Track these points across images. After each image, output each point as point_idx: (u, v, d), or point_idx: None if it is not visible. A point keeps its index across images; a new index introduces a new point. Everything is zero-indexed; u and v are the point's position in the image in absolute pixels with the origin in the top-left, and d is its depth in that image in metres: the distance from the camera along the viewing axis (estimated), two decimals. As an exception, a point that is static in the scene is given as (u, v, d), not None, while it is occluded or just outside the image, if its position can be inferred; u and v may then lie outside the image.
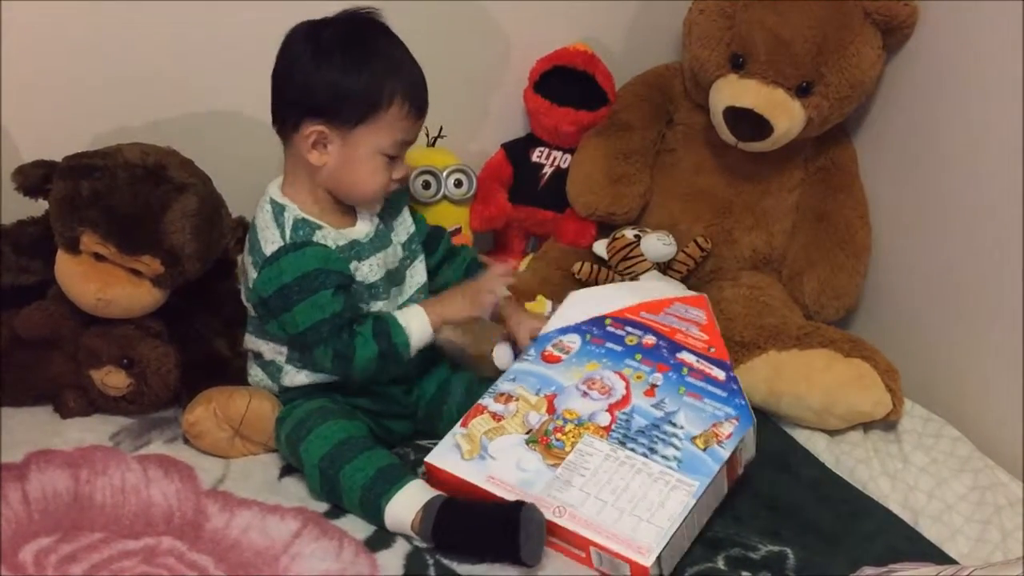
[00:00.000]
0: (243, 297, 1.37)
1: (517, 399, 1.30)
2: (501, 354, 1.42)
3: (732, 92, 1.65)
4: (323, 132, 1.25)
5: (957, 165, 1.59)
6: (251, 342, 1.37)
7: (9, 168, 1.40)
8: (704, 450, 1.23)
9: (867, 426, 1.52)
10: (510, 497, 1.19)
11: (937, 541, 1.31)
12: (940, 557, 1.26)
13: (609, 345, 1.35)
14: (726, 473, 1.25)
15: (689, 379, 1.31)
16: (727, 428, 1.26)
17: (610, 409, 1.28)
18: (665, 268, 1.74)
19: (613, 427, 1.26)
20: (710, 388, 1.30)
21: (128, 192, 1.34)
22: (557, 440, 1.25)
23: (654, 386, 1.30)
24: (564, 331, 1.38)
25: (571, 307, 1.42)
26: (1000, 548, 1.29)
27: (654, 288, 1.48)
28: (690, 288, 1.70)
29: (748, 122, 1.63)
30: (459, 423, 1.29)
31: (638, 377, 1.31)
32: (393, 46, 1.28)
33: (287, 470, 1.32)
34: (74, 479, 1.23)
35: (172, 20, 1.57)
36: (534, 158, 1.84)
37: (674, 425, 1.26)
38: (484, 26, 1.79)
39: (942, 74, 1.61)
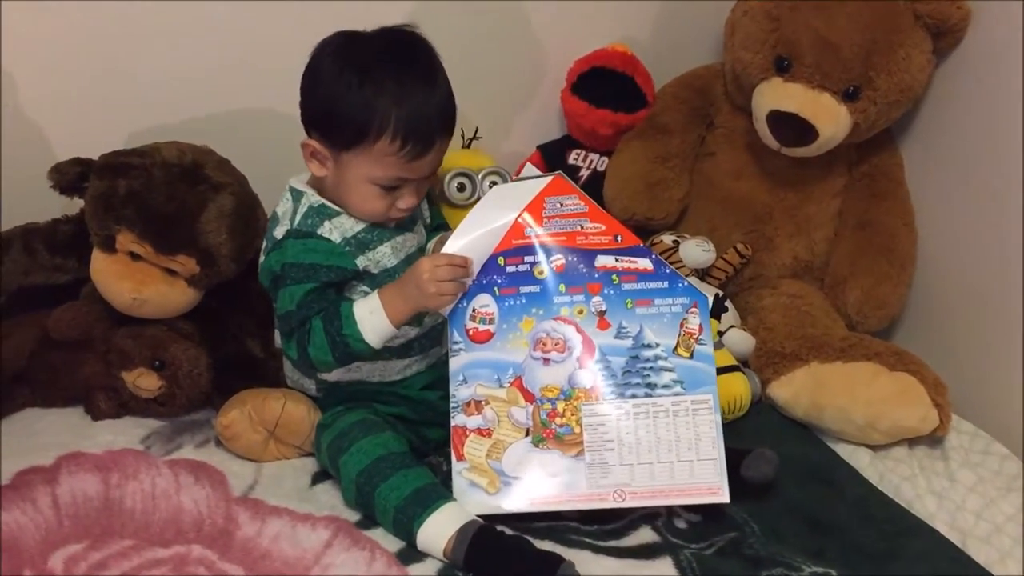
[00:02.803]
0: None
1: (487, 402, 1.22)
2: None
3: (776, 96, 1.61)
4: (316, 148, 1.23)
5: (1007, 172, 1.54)
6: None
7: (45, 166, 1.39)
8: (691, 357, 1.22)
9: (912, 441, 1.48)
10: (567, 508, 1.20)
11: (986, 564, 1.26)
12: (989, 581, 1.22)
13: (524, 290, 1.24)
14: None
15: (626, 287, 1.24)
16: (693, 321, 1.23)
17: (581, 364, 1.22)
18: (704, 275, 1.70)
19: (600, 383, 1.22)
20: (650, 285, 1.24)
21: (165, 191, 1.33)
22: (562, 427, 1.21)
23: (601, 314, 1.23)
24: (469, 296, 1.24)
25: (462, 237, 1.24)
26: (1053, 573, 1.25)
27: (504, 196, 1.27)
28: (731, 297, 1.67)
29: (792, 127, 1.60)
30: (453, 458, 1.22)
31: (580, 312, 1.23)
32: (405, 79, 1.19)
33: (319, 477, 1.30)
34: (104, 483, 1.22)
35: (209, 18, 1.56)
36: (570, 160, 1.82)
37: (649, 347, 1.22)
38: (521, 26, 1.77)
39: (995, 79, 1.57)
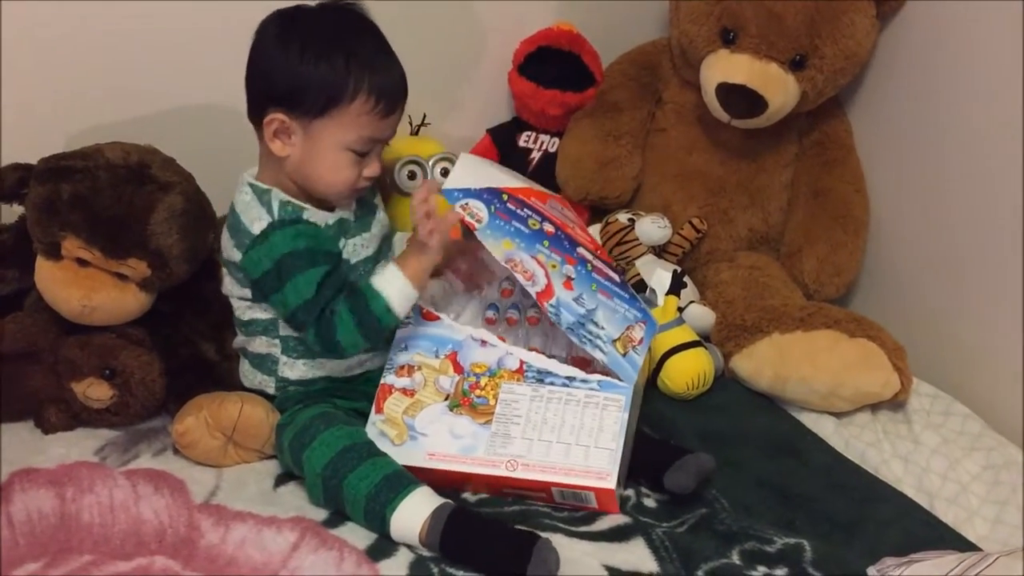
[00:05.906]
0: (224, 291, 1.31)
1: (419, 368, 1.28)
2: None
3: (724, 68, 1.60)
4: (284, 121, 1.22)
5: (955, 134, 1.55)
6: (241, 340, 1.33)
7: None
8: (624, 355, 1.26)
9: (875, 407, 1.48)
10: (459, 468, 1.22)
11: (954, 524, 1.27)
12: (959, 541, 1.23)
13: (516, 225, 1.28)
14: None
15: (596, 276, 1.30)
16: (638, 332, 1.28)
17: (538, 297, 1.26)
18: (660, 251, 1.70)
19: (525, 368, 1.27)
20: (614, 288, 1.30)
21: (111, 194, 1.29)
22: (479, 397, 1.25)
23: (570, 278, 1.28)
24: (467, 194, 1.27)
25: (463, 170, 1.32)
26: (1020, 529, 1.26)
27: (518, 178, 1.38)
28: (689, 272, 1.67)
29: (741, 98, 1.59)
30: (373, 410, 1.26)
31: (553, 266, 1.27)
32: (366, 39, 1.24)
33: (282, 479, 1.27)
34: (59, 498, 1.18)
35: (144, 13, 1.52)
36: (521, 143, 1.80)
37: (596, 325, 1.26)
38: (465, 8, 1.74)
39: (937, 41, 1.58)
